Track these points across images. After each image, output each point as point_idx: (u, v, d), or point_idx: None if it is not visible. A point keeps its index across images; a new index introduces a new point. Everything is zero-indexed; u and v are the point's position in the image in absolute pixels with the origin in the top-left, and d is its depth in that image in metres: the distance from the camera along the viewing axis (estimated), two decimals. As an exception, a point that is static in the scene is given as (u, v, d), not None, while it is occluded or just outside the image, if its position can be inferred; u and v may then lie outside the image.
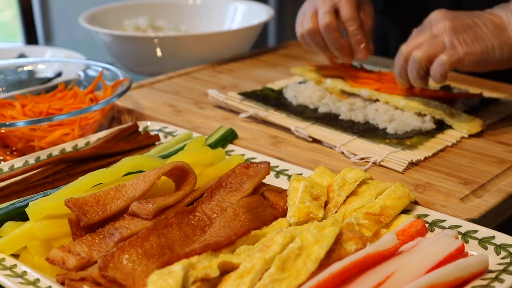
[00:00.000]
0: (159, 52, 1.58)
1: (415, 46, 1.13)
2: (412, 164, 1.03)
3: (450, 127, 1.16)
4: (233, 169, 0.93)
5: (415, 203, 0.91)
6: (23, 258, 0.82)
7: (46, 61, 1.45)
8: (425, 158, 1.06)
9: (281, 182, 0.98)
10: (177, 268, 0.70)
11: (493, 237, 0.81)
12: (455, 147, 1.11)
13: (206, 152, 0.99)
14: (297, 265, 0.72)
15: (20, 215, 0.86)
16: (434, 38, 1.11)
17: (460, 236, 0.82)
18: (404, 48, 1.15)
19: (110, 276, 0.72)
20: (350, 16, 1.24)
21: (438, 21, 1.12)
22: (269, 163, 0.93)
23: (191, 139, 1.07)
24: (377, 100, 1.23)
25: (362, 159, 1.05)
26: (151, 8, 1.88)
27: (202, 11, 1.90)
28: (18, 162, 1.03)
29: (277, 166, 1.02)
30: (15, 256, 0.82)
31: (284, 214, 0.87)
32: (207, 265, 0.72)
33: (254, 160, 1.04)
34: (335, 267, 0.71)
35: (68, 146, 1.09)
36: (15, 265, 0.79)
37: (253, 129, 1.19)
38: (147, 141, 1.11)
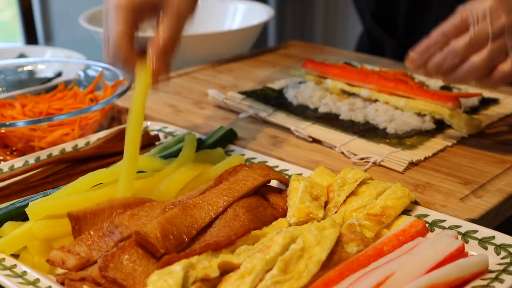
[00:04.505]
0: (159, 52, 1.58)
1: (472, 44, 0.97)
2: (412, 164, 1.03)
3: (450, 127, 1.16)
4: (234, 167, 0.93)
5: (415, 203, 0.91)
6: (23, 258, 0.82)
7: (46, 61, 1.44)
8: (425, 158, 1.06)
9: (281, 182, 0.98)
10: (177, 268, 0.70)
11: (493, 237, 0.81)
12: (455, 147, 1.11)
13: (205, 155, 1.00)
14: (299, 267, 0.72)
15: (20, 215, 0.86)
16: (495, 38, 0.96)
17: (460, 236, 0.82)
18: (458, 46, 0.98)
19: (110, 276, 0.72)
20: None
21: (498, 15, 0.96)
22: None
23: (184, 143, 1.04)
24: (377, 100, 1.23)
25: (362, 159, 1.05)
26: (151, 8, 1.88)
27: (202, 11, 1.89)
28: (18, 162, 1.03)
29: (277, 166, 1.02)
30: (15, 256, 0.82)
31: (284, 214, 0.87)
32: (207, 265, 0.72)
33: (254, 160, 1.04)
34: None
35: (68, 146, 1.09)
36: (15, 265, 0.79)
37: (253, 129, 1.19)
38: (147, 141, 1.11)
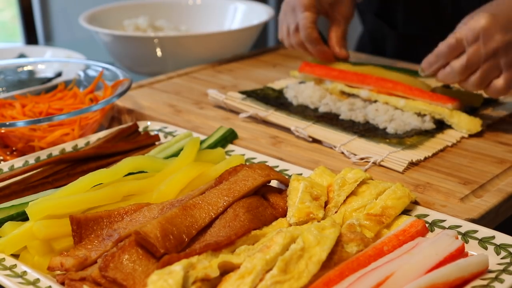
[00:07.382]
0: (159, 52, 1.58)
1: (468, 66, 1.07)
2: (412, 164, 1.03)
3: (450, 127, 1.16)
4: (234, 167, 0.93)
5: (415, 203, 0.91)
6: (23, 258, 0.82)
7: (46, 61, 1.45)
8: (425, 158, 1.06)
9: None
10: (177, 268, 0.70)
11: (493, 237, 0.81)
12: (455, 147, 1.11)
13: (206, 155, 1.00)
14: (299, 267, 0.72)
15: (20, 215, 0.86)
16: (488, 59, 1.05)
17: (460, 236, 0.82)
18: (456, 68, 1.08)
19: (111, 276, 0.72)
20: (306, 37, 1.30)
21: (490, 36, 1.03)
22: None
23: (186, 142, 1.04)
24: (376, 101, 1.22)
25: (362, 159, 1.05)
26: (151, 8, 1.88)
27: (202, 11, 1.90)
28: (18, 162, 1.03)
29: (277, 166, 1.02)
30: (15, 256, 0.82)
31: (284, 214, 0.87)
32: (207, 265, 0.72)
33: (254, 160, 1.04)
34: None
35: (68, 146, 1.09)
36: (15, 265, 0.79)
37: (253, 129, 1.19)
38: (147, 141, 1.11)
